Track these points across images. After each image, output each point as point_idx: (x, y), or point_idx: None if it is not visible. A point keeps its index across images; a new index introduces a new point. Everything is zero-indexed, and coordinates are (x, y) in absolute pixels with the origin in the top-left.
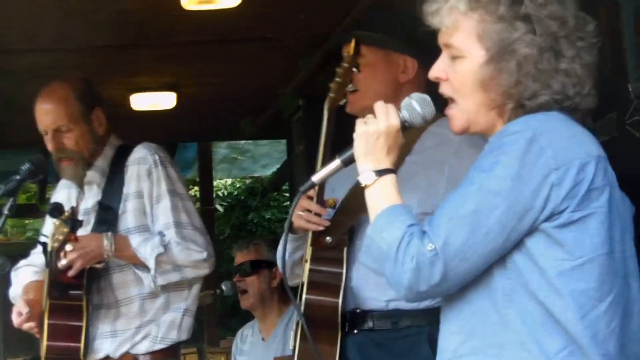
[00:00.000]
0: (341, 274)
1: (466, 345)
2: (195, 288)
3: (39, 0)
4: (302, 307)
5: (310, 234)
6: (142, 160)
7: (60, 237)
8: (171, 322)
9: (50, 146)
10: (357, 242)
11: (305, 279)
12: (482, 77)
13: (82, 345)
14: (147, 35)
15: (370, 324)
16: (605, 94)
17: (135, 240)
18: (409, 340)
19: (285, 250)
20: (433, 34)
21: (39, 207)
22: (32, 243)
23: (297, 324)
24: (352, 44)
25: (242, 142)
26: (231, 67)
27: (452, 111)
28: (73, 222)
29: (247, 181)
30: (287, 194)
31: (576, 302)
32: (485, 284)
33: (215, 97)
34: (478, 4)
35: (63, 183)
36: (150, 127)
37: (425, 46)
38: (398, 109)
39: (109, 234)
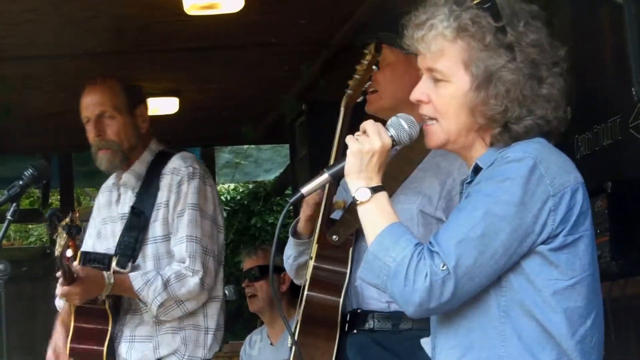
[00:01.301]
0: (345, 273)
1: (465, 359)
2: (211, 307)
3: (37, 7)
4: (303, 304)
5: (317, 232)
6: (175, 171)
7: (62, 243)
8: (196, 341)
9: (91, 134)
10: (363, 243)
11: (308, 275)
12: (469, 102)
13: (105, 348)
14: (148, 41)
15: (370, 324)
16: (609, 98)
17: (137, 282)
18: (410, 343)
19: (273, 256)
20: None
21: (42, 212)
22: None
23: (295, 326)
24: (374, 43)
25: (245, 146)
26: (233, 72)
27: (431, 127)
28: (70, 228)
29: (250, 186)
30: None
31: (568, 319)
32: (482, 302)
33: (218, 102)
34: (465, 32)
35: (105, 186)
36: (153, 132)
37: None
38: (416, 114)
39: (111, 275)
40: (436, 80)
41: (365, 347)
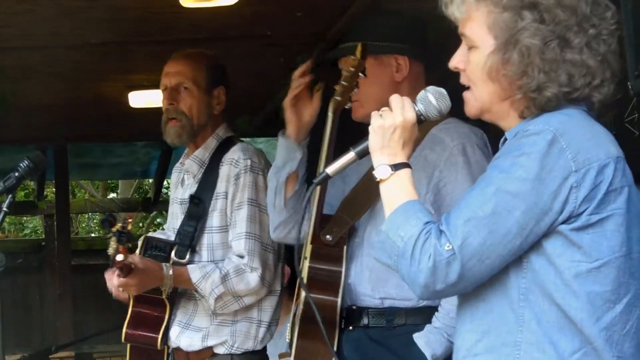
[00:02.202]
0: (340, 272)
1: (481, 343)
2: (267, 301)
3: None
4: (301, 306)
5: (310, 232)
6: (234, 162)
7: (113, 247)
8: (247, 333)
9: (164, 103)
10: (355, 239)
11: (304, 276)
12: (489, 67)
13: (160, 336)
14: (144, 33)
15: (365, 320)
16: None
17: (195, 275)
18: (404, 338)
19: (301, 253)
20: (416, 27)
21: (37, 204)
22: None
23: (293, 317)
24: (359, 48)
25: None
26: (228, 65)
27: (466, 96)
28: (120, 235)
29: None
30: None
31: (592, 304)
32: (501, 283)
33: None
34: None
35: (176, 165)
36: (148, 124)
37: (413, 40)
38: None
39: (169, 266)
40: (469, 48)
41: (361, 343)
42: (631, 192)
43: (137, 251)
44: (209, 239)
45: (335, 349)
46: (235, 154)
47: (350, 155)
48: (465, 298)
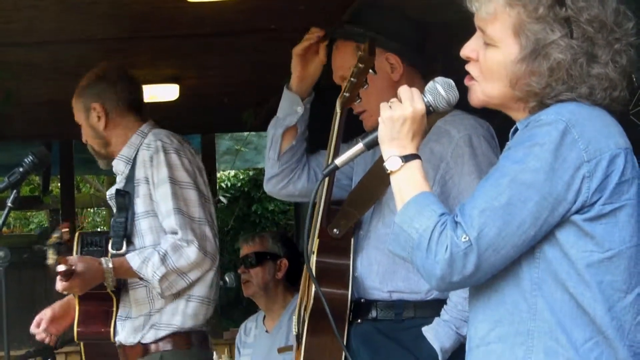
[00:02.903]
0: (348, 265)
1: (494, 332)
2: (206, 275)
3: None
4: (311, 300)
5: (317, 225)
6: (146, 146)
7: (53, 258)
8: (174, 309)
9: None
10: (361, 232)
11: (313, 270)
12: (512, 73)
13: (111, 329)
14: (148, 28)
15: (374, 313)
16: None
17: (134, 262)
18: (413, 331)
19: (309, 241)
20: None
21: (42, 199)
22: (35, 235)
23: (299, 313)
24: (366, 45)
25: (246, 133)
26: (233, 59)
27: (473, 86)
28: (59, 246)
29: (251, 173)
30: None
31: (603, 294)
32: (513, 274)
33: (218, 89)
34: (519, 1)
35: None
36: (153, 118)
37: (403, 40)
38: None
39: (108, 260)
40: (486, 43)
41: (369, 336)
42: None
43: (74, 249)
44: (137, 226)
45: (345, 342)
46: (147, 139)
47: (358, 146)
48: (478, 289)
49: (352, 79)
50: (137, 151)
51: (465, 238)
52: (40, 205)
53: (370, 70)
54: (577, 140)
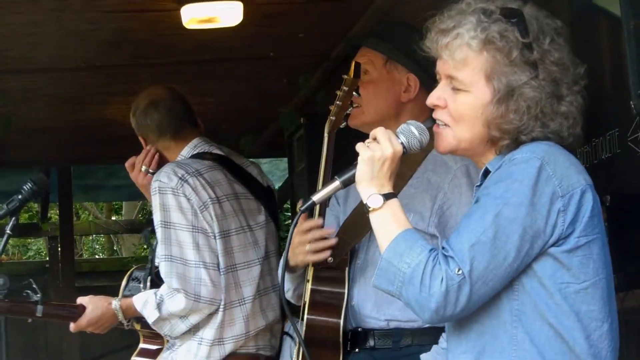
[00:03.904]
0: (343, 294)
1: None
2: (214, 317)
3: (38, 20)
4: (304, 327)
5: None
6: (150, 188)
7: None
8: (187, 350)
9: None
10: (357, 261)
11: (307, 299)
12: (487, 115)
13: None
14: (148, 54)
15: (371, 342)
16: (607, 111)
17: (138, 304)
18: (411, 359)
19: (284, 274)
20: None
21: (40, 226)
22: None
23: (298, 345)
24: (352, 67)
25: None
26: (232, 86)
27: (443, 132)
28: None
29: None
30: (289, 213)
31: (581, 323)
32: (493, 305)
33: (216, 116)
34: (491, 45)
35: None
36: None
37: (428, 67)
38: (396, 128)
39: (117, 301)
40: (455, 89)
41: None
42: (602, 219)
43: (123, 283)
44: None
45: None
46: (154, 178)
47: (335, 183)
48: (459, 321)
49: (337, 102)
50: None
51: (459, 271)
52: (38, 232)
53: (355, 93)
54: (551, 176)
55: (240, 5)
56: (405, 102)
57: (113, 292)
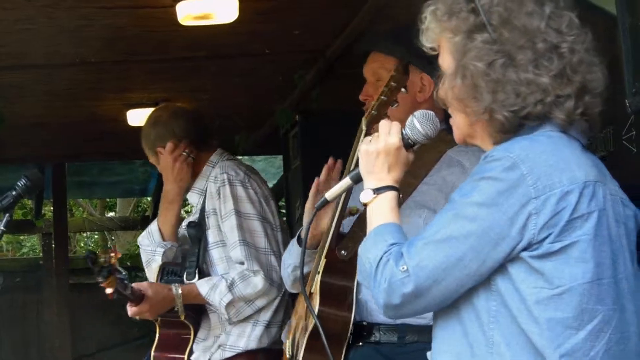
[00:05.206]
0: (351, 288)
1: None
2: (274, 301)
3: (31, 17)
4: (310, 320)
5: (327, 246)
6: (213, 179)
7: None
8: (241, 332)
9: None
10: None
11: (316, 290)
12: (444, 92)
13: (185, 356)
14: (142, 51)
15: (376, 336)
16: (602, 109)
17: (203, 289)
18: (416, 355)
19: (303, 264)
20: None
21: (34, 223)
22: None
23: (293, 336)
24: (401, 64)
25: (238, 157)
26: (227, 83)
27: (451, 122)
28: (100, 272)
29: None
30: (284, 210)
31: (552, 331)
32: (473, 306)
33: (210, 113)
34: (446, 23)
35: None
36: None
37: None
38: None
39: (178, 287)
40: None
41: (370, 359)
42: (601, 217)
43: (155, 278)
44: (209, 256)
45: None
46: (215, 171)
47: (346, 180)
48: (444, 320)
49: (382, 97)
50: (207, 182)
51: (403, 268)
52: (32, 229)
53: (403, 89)
54: (525, 175)
55: (236, 2)
56: (421, 102)
57: (146, 266)
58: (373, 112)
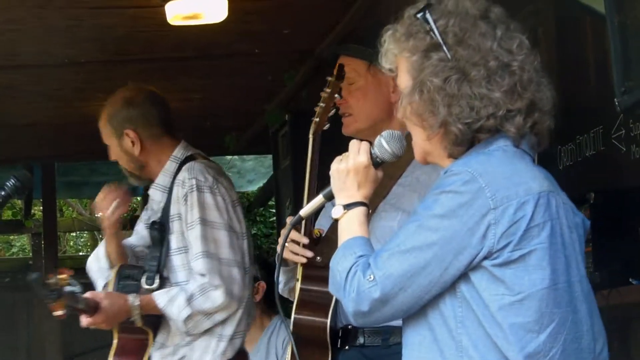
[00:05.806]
0: (330, 293)
1: None
2: (235, 313)
3: (20, 17)
4: (291, 326)
5: None
6: (181, 183)
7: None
8: (206, 347)
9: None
10: None
11: (295, 298)
12: (403, 109)
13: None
14: (131, 51)
15: (361, 340)
16: (592, 108)
17: (161, 301)
18: (400, 357)
19: (278, 282)
20: None
21: (24, 223)
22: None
23: (291, 343)
24: (335, 69)
25: (228, 157)
26: (216, 82)
27: (412, 143)
28: (49, 294)
29: None
30: (274, 210)
31: (515, 335)
32: (441, 312)
33: (201, 112)
34: (404, 43)
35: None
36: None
37: None
38: (390, 129)
39: (135, 297)
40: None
41: None
42: (554, 225)
43: (112, 279)
44: (170, 262)
45: None
46: (182, 174)
47: (319, 198)
48: (413, 328)
49: (321, 104)
50: (173, 180)
51: (370, 277)
52: (22, 229)
53: (337, 95)
54: (483, 188)
55: (225, 1)
56: (394, 102)
57: (97, 289)
58: (315, 119)
